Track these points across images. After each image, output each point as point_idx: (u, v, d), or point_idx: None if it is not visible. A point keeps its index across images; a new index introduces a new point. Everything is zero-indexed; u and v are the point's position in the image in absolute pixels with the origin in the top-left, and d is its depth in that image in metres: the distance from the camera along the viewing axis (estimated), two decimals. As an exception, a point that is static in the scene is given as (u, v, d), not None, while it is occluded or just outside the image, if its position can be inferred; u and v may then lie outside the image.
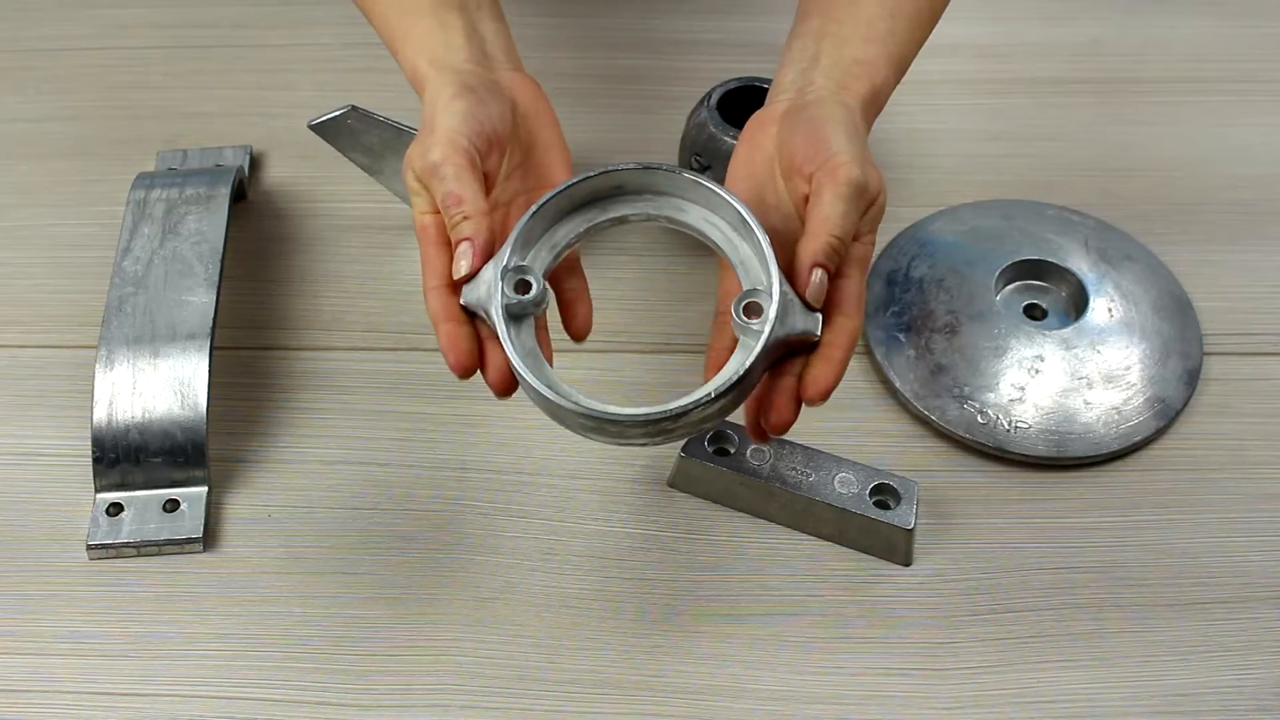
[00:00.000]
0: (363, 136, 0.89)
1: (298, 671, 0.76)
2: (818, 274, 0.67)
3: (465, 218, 0.68)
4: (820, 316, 0.68)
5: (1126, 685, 0.76)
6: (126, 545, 0.79)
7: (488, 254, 0.69)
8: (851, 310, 0.69)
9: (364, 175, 0.94)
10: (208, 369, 0.81)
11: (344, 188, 0.98)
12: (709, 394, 0.66)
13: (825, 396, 0.67)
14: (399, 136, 0.88)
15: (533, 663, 0.76)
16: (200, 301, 0.84)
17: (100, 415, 0.80)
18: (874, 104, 0.74)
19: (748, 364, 0.66)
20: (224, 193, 0.90)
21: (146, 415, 0.80)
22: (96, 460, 0.80)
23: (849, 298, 0.69)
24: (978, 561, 0.81)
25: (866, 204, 0.69)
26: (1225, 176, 1.02)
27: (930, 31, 0.79)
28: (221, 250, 0.87)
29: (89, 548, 0.79)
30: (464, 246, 0.68)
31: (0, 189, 1.00)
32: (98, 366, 0.81)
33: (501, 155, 0.73)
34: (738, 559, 0.81)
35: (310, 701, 0.75)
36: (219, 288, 0.85)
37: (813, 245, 0.67)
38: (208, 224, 0.88)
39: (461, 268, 0.68)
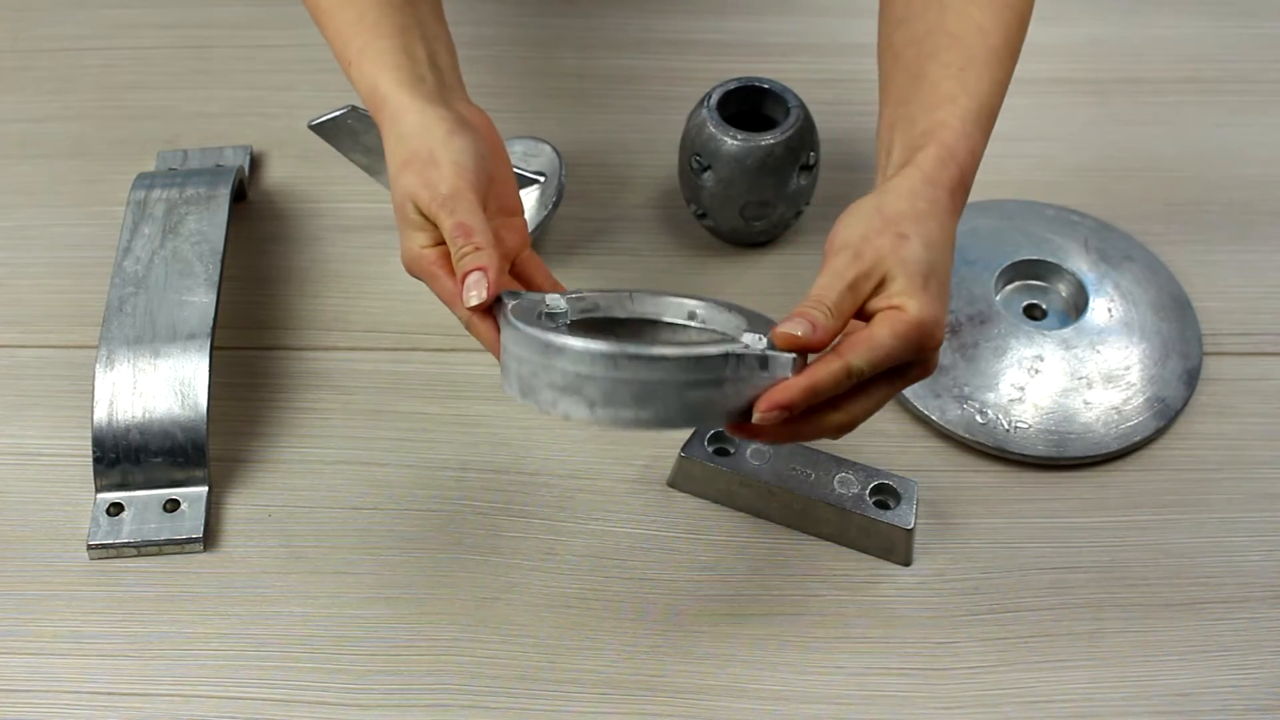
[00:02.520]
0: (363, 136, 0.89)
1: (298, 671, 0.76)
2: (796, 323, 0.65)
3: (477, 248, 0.69)
4: (789, 359, 0.66)
5: (1125, 685, 0.76)
6: (127, 545, 0.79)
7: (499, 286, 0.69)
8: (844, 352, 0.66)
9: (364, 175, 0.94)
10: (208, 369, 0.81)
11: (344, 188, 0.99)
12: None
13: (768, 410, 0.65)
14: (399, 136, 0.88)
15: (533, 663, 0.76)
16: (200, 301, 0.84)
17: (101, 415, 0.80)
18: (951, 163, 0.71)
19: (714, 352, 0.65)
20: (224, 193, 0.90)
21: (147, 415, 0.81)
22: (97, 460, 0.80)
23: (847, 344, 0.66)
24: (978, 561, 0.81)
25: (862, 270, 0.67)
26: (1225, 176, 1.02)
27: (1014, 63, 0.77)
28: (221, 250, 0.87)
29: (89, 548, 0.80)
30: (477, 276, 0.69)
31: (0, 189, 1.00)
32: (98, 366, 0.81)
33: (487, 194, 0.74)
34: (738, 559, 0.81)
35: (310, 701, 0.75)
36: (219, 288, 0.85)
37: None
38: (208, 224, 0.88)
39: (473, 298, 0.69)
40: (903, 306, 0.67)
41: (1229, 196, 1.01)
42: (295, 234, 0.97)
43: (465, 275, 0.69)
